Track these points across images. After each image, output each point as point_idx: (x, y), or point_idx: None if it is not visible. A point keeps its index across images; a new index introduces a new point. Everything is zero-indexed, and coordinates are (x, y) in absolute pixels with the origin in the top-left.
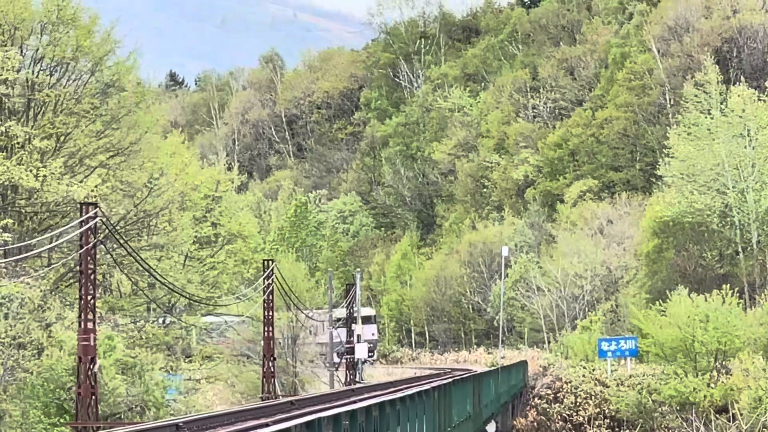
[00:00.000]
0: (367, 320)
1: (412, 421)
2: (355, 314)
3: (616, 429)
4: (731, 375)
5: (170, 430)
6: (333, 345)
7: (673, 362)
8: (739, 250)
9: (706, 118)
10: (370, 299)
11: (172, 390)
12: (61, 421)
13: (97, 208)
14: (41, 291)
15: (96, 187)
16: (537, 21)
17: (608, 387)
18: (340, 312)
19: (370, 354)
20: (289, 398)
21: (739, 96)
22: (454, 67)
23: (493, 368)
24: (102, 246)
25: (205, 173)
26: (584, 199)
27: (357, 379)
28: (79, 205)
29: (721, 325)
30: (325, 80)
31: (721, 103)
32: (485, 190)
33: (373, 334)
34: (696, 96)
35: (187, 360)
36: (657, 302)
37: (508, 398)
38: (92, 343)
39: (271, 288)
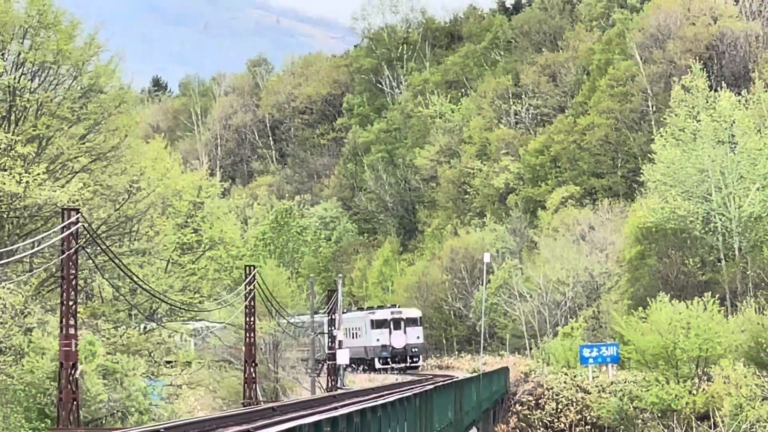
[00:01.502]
0: (411, 322)
1: (393, 427)
2: (336, 320)
3: None
4: (713, 382)
5: None
6: (315, 350)
7: (654, 369)
8: (722, 256)
9: (691, 122)
10: (351, 305)
11: (154, 395)
12: (43, 426)
13: (79, 214)
14: (23, 297)
15: (78, 191)
16: (519, 27)
17: (590, 393)
18: (382, 313)
19: (414, 360)
20: (271, 404)
21: (728, 101)
22: (435, 73)
23: (474, 374)
24: (84, 251)
25: (187, 179)
26: (566, 206)
27: (338, 386)
28: (60, 210)
29: (703, 332)
30: (308, 85)
31: (707, 108)
32: (467, 196)
33: (418, 338)
34: (683, 100)
35: (168, 365)
36: (639, 309)
37: (489, 405)
38: (74, 349)
39: (252, 294)
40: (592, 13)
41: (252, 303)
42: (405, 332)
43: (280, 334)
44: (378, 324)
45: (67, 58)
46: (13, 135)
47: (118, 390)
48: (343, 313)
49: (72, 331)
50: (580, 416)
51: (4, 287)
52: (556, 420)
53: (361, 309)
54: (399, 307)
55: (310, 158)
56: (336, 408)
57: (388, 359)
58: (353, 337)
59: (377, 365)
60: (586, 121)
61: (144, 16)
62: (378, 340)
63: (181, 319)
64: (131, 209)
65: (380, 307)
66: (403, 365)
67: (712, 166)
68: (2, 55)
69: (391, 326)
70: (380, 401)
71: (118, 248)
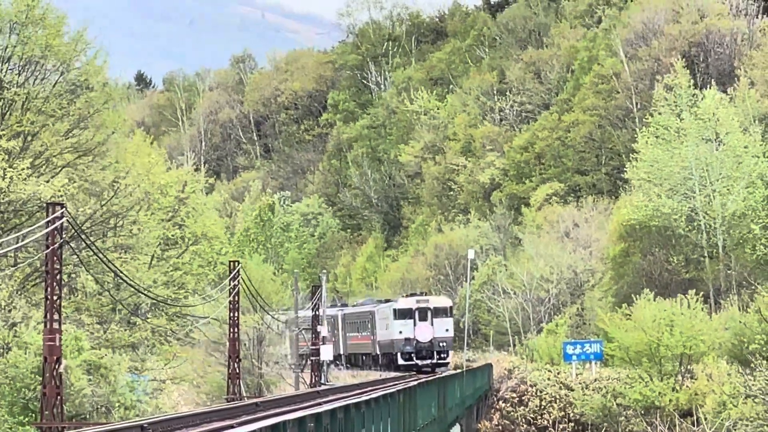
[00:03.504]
0: (440, 312)
1: (377, 423)
2: (321, 315)
3: None
4: (696, 379)
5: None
6: (297, 346)
7: (638, 366)
8: (705, 254)
9: (675, 120)
10: (335, 301)
11: (138, 391)
12: (27, 420)
13: (64, 209)
14: (8, 291)
15: (63, 187)
16: (504, 24)
17: (573, 390)
18: (405, 302)
19: (443, 357)
20: (255, 400)
21: (713, 99)
22: (420, 70)
23: (458, 371)
24: (68, 246)
25: (172, 174)
26: (550, 203)
27: (322, 381)
28: (45, 205)
29: (687, 329)
30: (293, 81)
31: (691, 107)
32: (451, 192)
33: (447, 330)
34: (666, 99)
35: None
36: (623, 306)
37: (472, 401)
38: (57, 343)
39: (237, 289)
40: (576, 10)
41: (236, 298)
42: (432, 324)
43: (264, 330)
44: (401, 314)
45: (55, 54)
46: None
47: (102, 385)
48: (378, 303)
49: (56, 325)
50: (563, 413)
51: None
52: (539, 417)
53: (413, 295)
54: (426, 294)
55: (295, 154)
56: (320, 404)
57: (412, 354)
58: (384, 328)
59: (399, 361)
60: (570, 118)
61: (129, 11)
62: (401, 332)
63: (166, 314)
64: (115, 205)
65: (410, 295)
66: (428, 362)
67: (696, 163)
68: None
69: (416, 317)
70: (364, 397)
71: (102, 243)
